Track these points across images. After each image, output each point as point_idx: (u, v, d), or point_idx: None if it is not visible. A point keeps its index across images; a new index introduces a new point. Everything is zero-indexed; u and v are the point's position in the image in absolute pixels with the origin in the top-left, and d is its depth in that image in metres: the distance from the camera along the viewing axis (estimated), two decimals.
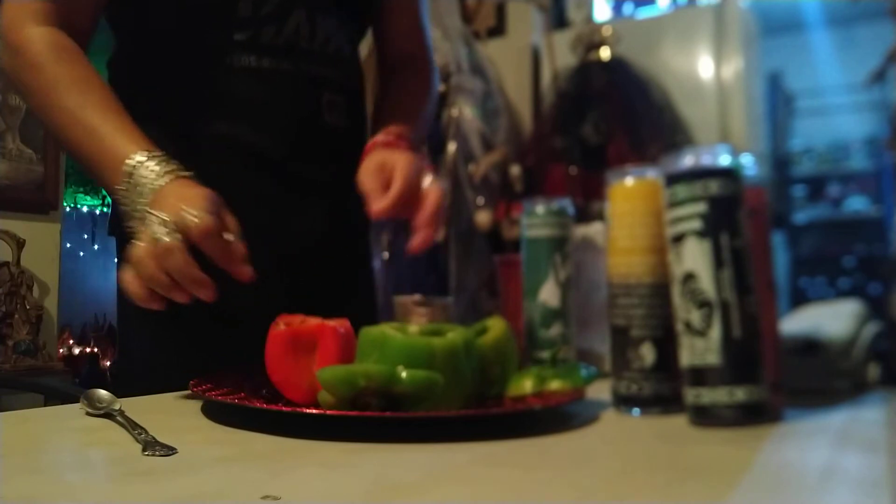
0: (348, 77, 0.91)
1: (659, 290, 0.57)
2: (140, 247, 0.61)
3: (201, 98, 0.83)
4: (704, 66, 2.33)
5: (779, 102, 4.41)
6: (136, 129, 0.70)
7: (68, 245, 2.89)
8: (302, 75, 0.84)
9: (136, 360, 0.86)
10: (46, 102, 0.73)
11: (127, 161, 0.67)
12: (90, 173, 0.72)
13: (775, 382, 0.54)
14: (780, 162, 4.46)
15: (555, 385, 0.60)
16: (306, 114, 0.85)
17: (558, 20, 2.75)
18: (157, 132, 0.72)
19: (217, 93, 0.83)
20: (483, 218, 2.11)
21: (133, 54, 0.86)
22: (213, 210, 0.63)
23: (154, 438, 0.46)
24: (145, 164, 0.66)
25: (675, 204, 0.54)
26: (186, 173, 0.68)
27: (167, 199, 0.64)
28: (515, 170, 2.24)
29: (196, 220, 0.61)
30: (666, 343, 0.57)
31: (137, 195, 0.66)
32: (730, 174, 0.53)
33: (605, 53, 2.29)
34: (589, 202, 1.84)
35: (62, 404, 0.64)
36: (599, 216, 0.71)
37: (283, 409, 0.53)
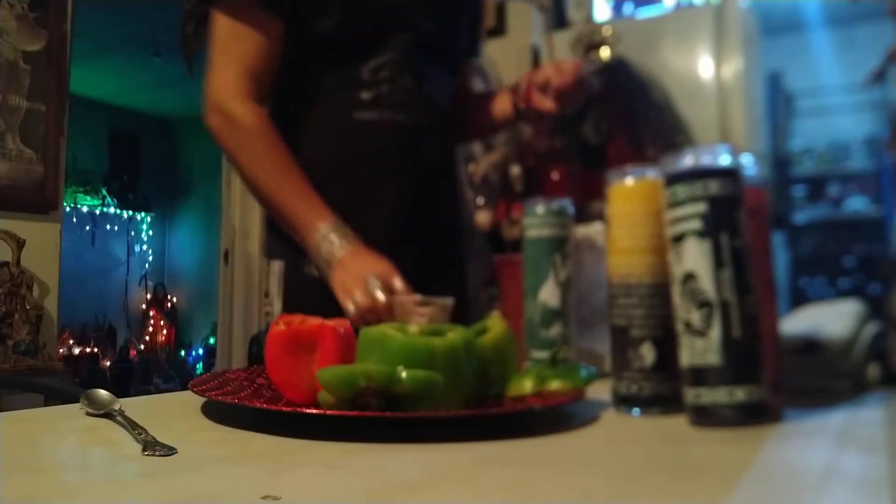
0: (444, 126, 1.14)
1: (659, 290, 0.57)
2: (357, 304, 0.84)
3: (337, 142, 1.05)
4: (704, 66, 2.33)
5: (779, 102, 4.41)
6: (319, 204, 0.94)
7: (68, 245, 2.89)
8: (410, 125, 1.06)
9: None
10: (253, 177, 0.98)
11: (314, 232, 0.91)
12: (290, 232, 0.96)
13: (775, 382, 0.54)
14: (780, 162, 4.45)
15: (555, 385, 0.60)
16: (412, 154, 1.07)
17: (558, 20, 2.75)
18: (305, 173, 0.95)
19: (346, 139, 1.04)
20: (483, 218, 2.11)
21: (286, 111, 1.07)
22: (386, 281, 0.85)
23: (154, 438, 0.46)
24: (329, 237, 0.91)
25: (675, 204, 0.54)
26: (357, 240, 0.91)
27: (348, 268, 0.87)
28: (515, 170, 2.23)
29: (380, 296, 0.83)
30: (666, 343, 0.57)
31: (325, 261, 0.91)
32: (730, 174, 0.53)
33: (605, 53, 2.29)
34: (589, 202, 1.83)
35: (62, 404, 0.64)
36: (599, 216, 0.70)
37: (283, 409, 0.53)
